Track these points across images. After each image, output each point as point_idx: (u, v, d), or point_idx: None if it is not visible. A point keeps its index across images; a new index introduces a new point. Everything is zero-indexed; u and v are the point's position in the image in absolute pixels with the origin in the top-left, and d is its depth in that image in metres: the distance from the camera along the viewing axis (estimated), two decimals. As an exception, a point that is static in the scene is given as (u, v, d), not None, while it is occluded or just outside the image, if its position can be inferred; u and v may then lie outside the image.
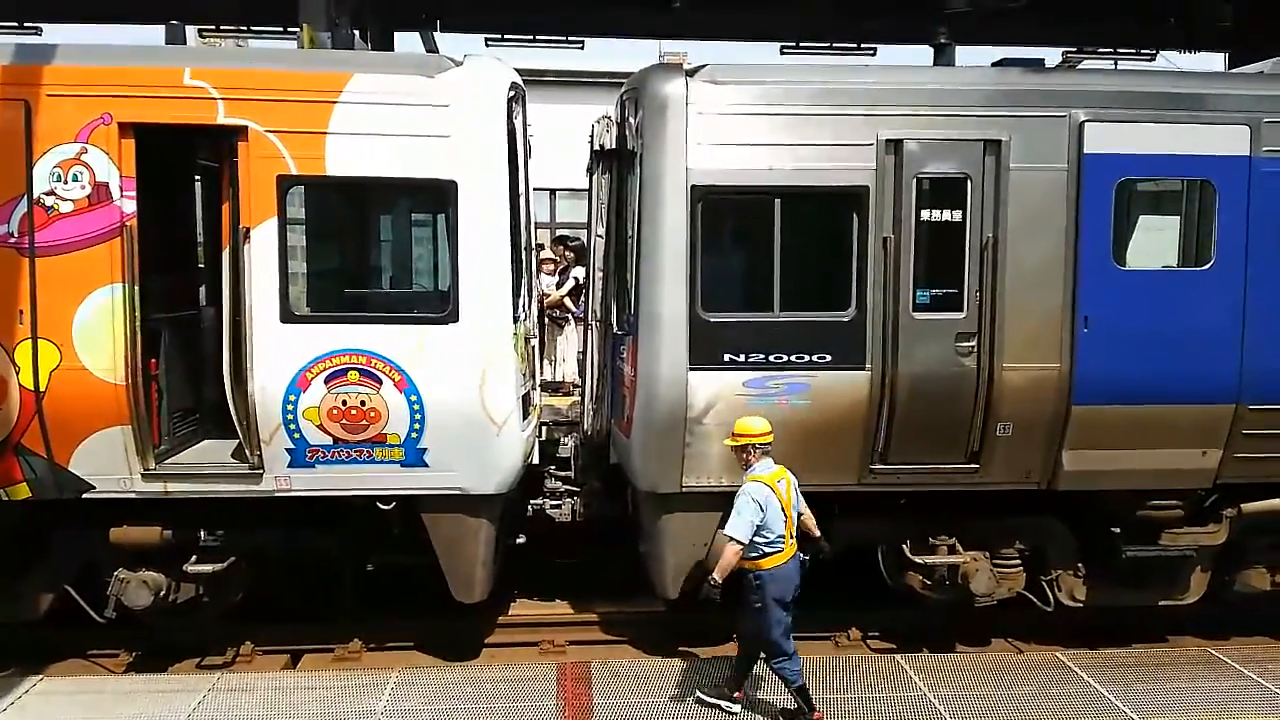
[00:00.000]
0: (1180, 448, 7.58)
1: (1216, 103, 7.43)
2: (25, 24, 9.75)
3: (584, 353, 8.92)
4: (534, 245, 8.70)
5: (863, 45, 13.27)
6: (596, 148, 8.10)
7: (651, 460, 7.48)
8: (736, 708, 6.68)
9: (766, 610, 6.36)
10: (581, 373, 9.10)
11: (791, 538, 6.43)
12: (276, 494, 7.15)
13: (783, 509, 6.35)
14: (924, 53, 8.43)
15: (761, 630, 6.43)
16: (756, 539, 6.29)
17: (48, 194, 6.73)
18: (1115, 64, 8.58)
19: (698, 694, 6.84)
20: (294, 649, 8.19)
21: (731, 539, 6.24)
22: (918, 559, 7.82)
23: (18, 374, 6.79)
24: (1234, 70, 9.90)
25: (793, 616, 6.49)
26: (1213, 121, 7.40)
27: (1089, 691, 7.08)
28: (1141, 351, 7.39)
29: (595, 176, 8.31)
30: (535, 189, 8.70)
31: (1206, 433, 7.55)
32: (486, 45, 9.90)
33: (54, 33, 9.75)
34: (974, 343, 7.30)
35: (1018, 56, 7.84)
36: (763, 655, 6.60)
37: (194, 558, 7.36)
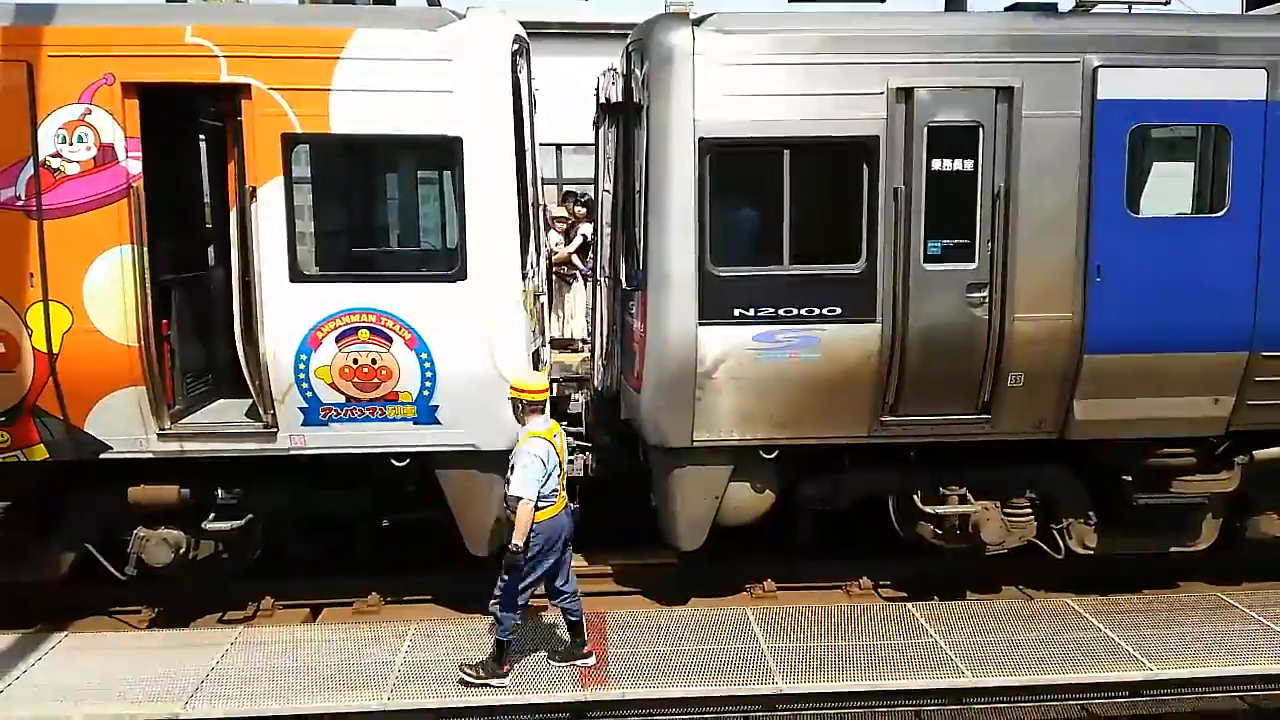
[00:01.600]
0: (1193, 396, 7.57)
1: (1232, 46, 7.30)
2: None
3: (593, 309, 8.91)
4: (541, 201, 8.65)
5: (872, -10, 12.98)
6: (602, 101, 8.02)
7: (662, 415, 7.51)
8: (506, 681, 6.58)
9: (534, 558, 6.42)
10: (591, 329, 9.10)
11: (563, 490, 6.56)
12: (291, 452, 7.22)
13: (559, 463, 6.47)
14: (935, -2, 8.30)
15: (515, 577, 6.41)
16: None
17: (53, 156, 6.72)
18: (1129, 7, 8.41)
19: (461, 674, 6.60)
20: (314, 603, 8.31)
21: (522, 498, 6.28)
22: (929, 509, 7.86)
23: (30, 337, 6.84)
24: (1250, 12, 9.70)
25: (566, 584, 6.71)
26: (1228, 65, 7.28)
27: (1099, 636, 7.16)
28: (1154, 300, 7.35)
29: (601, 130, 8.24)
30: (541, 144, 8.63)
31: (1219, 381, 7.53)
32: (490, -3, 9.77)
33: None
34: (985, 294, 7.26)
35: (1030, 1, 7.70)
36: (495, 599, 6.49)
37: (211, 515, 7.45)
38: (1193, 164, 7.88)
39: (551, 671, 6.69)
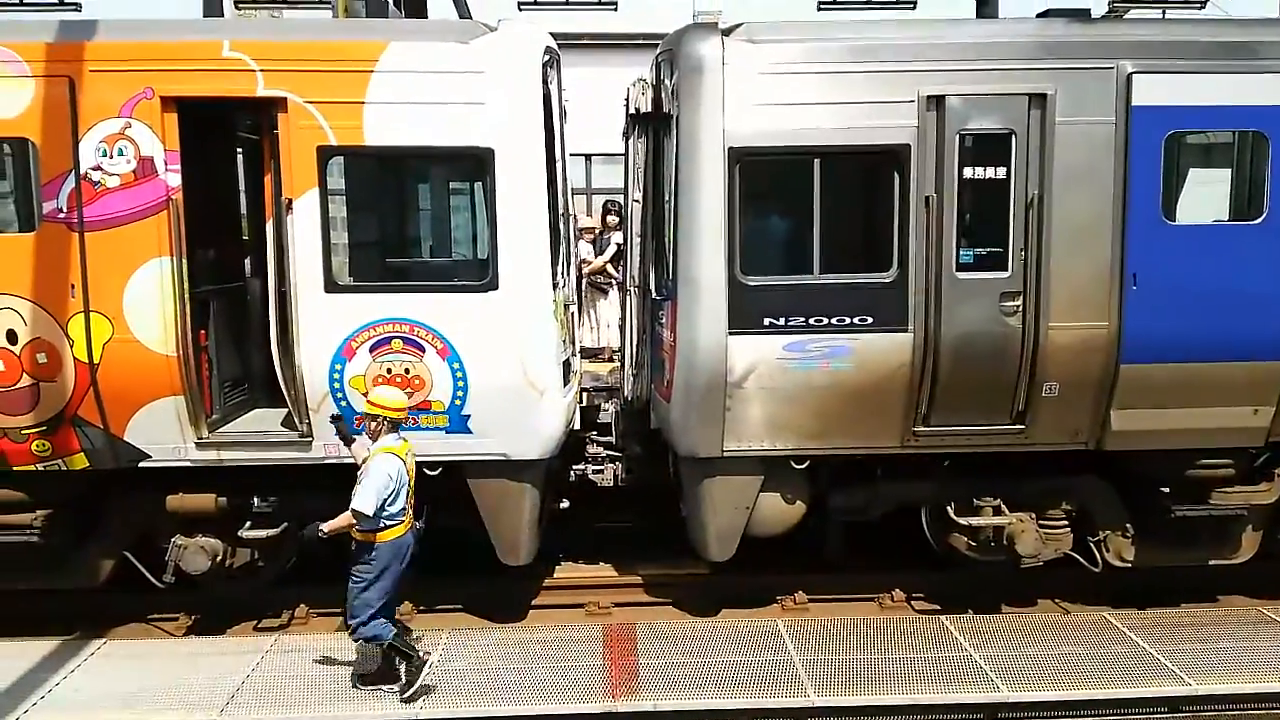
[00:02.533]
0: (1231, 406, 7.44)
1: (1270, 50, 7.19)
2: (65, 0, 9.86)
3: (622, 319, 8.93)
4: (571, 211, 8.70)
5: (902, -2, 12.95)
6: (632, 111, 8.05)
7: (692, 425, 7.50)
8: (427, 662, 6.63)
9: (375, 580, 6.38)
10: (621, 338, 9.12)
11: (410, 509, 6.51)
12: (326, 460, 7.29)
13: (408, 483, 6.43)
14: (966, 4, 8.25)
15: (362, 597, 6.39)
16: (382, 512, 6.30)
17: (94, 169, 6.84)
18: (1163, 13, 8.33)
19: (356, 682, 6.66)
20: (346, 612, 8.37)
21: (355, 511, 6.24)
22: (962, 520, 7.79)
23: (71, 347, 6.96)
24: (1290, 15, 9.56)
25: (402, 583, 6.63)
26: (1266, 70, 7.17)
27: (1137, 651, 7.04)
28: (1191, 308, 7.24)
29: (631, 140, 8.27)
30: (571, 154, 8.68)
31: (1258, 391, 7.41)
32: (520, 9, 9.83)
33: (93, 8, 9.84)
34: (1019, 302, 7.20)
35: (1063, 7, 7.63)
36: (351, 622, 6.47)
37: (248, 523, 7.54)
38: (1230, 170, 7.77)
39: (581, 682, 6.68)
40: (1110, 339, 7.23)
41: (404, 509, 6.46)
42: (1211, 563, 8.09)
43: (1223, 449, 7.62)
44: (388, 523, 6.38)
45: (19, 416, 7.04)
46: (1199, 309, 7.26)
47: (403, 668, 6.52)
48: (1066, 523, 7.94)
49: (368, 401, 6.55)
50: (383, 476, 6.29)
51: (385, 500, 6.30)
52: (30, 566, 7.65)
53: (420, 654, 6.60)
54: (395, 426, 6.54)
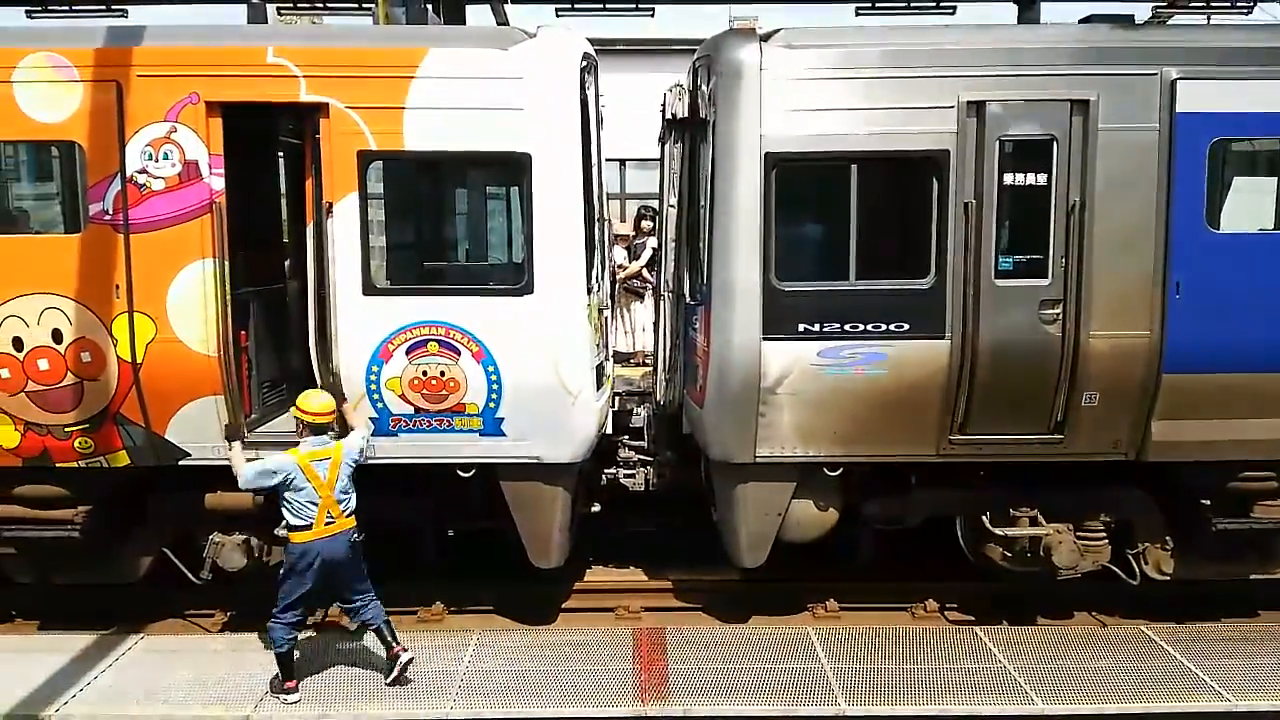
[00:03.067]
0: (1274, 417, 7.31)
1: (1318, 56, 7.07)
2: (112, 6, 10.06)
3: (656, 323, 8.94)
4: (606, 216, 8.72)
5: (941, 3, 12.83)
6: (669, 116, 8.05)
7: (725, 431, 7.48)
8: (293, 699, 6.62)
9: (285, 577, 6.58)
10: (655, 343, 9.13)
11: (329, 519, 6.53)
12: (363, 460, 7.34)
13: (316, 490, 6.48)
14: (1007, 10, 8.17)
15: (283, 589, 6.58)
16: (287, 510, 6.51)
17: (140, 172, 6.96)
18: (1208, 18, 8.21)
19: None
20: (379, 611, 8.44)
21: (240, 473, 6.55)
22: (998, 531, 7.71)
23: (115, 346, 7.08)
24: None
25: (356, 596, 6.77)
26: (1314, 76, 7.05)
27: (1176, 666, 6.94)
28: (1236, 318, 7.12)
29: (667, 146, 8.27)
30: (606, 159, 8.70)
31: (1303, 402, 7.27)
32: (557, 15, 9.90)
33: (140, 14, 10.03)
34: (1059, 310, 7.11)
35: (1106, 12, 7.55)
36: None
37: (284, 522, 7.61)
38: (1276, 178, 7.63)
39: (610, 686, 6.69)
40: (1152, 348, 7.12)
41: (312, 516, 6.52)
42: (1253, 577, 7.94)
43: (1266, 461, 7.48)
44: (294, 523, 6.53)
45: (63, 414, 7.18)
46: (1242, 318, 7.13)
47: (276, 676, 6.67)
48: (1105, 534, 7.83)
49: (295, 406, 6.72)
50: (269, 463, 6.52)
51: (267, 489, 6.55)
52: (70, 561, 7.79)
53: (291, 683, 6.65)
54: (318, 431, 6.65)
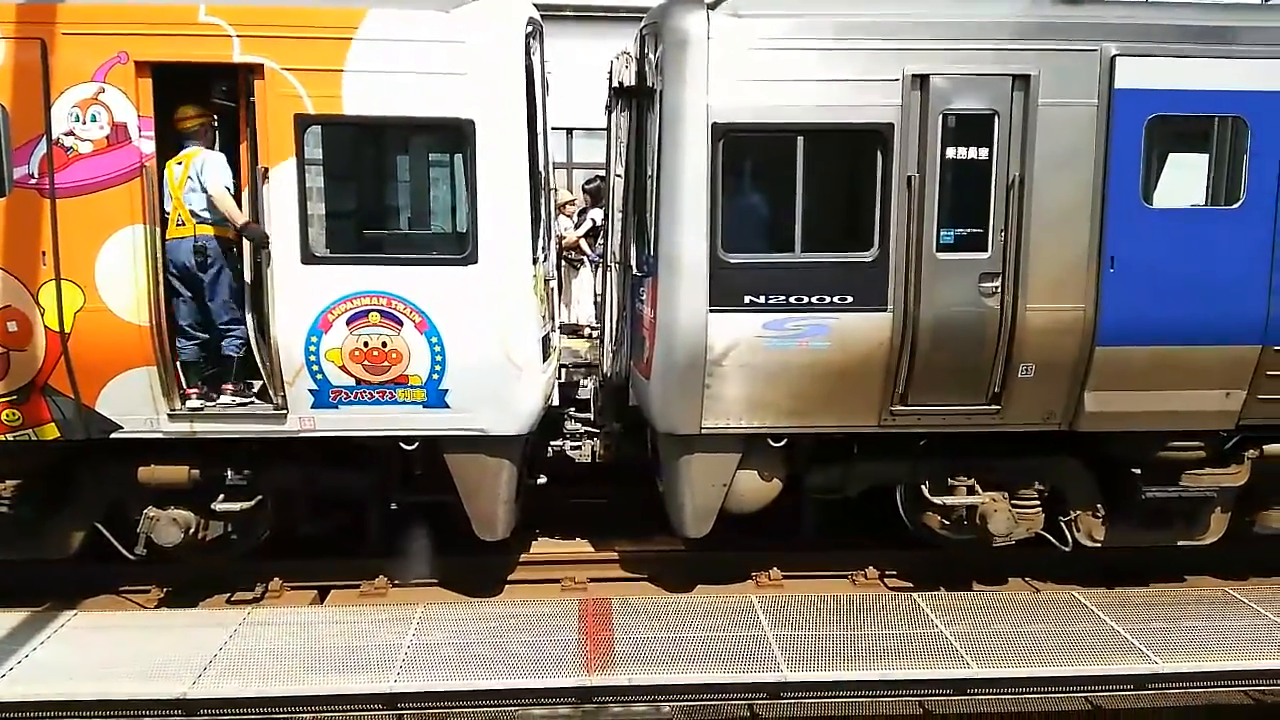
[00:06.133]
0: (1204, 389, 7.53)
1: (1252, 36, 7.22)
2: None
3: (602, 295, 8.90)
4: (552, 185, 8.64)
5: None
6: (615, 85, 7.98)
7: (671, 402, 7.50)
8: None
9: None
10: (599, 315, 9.09)
11: (180, 222, 7.07)
12: (301, 434, 7.24)
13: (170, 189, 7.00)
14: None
15: None
16: None
17: (66, 134, 6.71)
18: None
19: None
20: (321, 585, 8.35)
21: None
22: (936, 499, 7.86)
23: (42, 315, 6.85)
24: (1272, 1, 9.60)
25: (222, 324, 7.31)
26: (1246, 55, 7.20)
27: (1105, 629, 7.15)
28: (1167, 292, 7.30)
29: (614, 115, 8.20)
30: (552, 128, 8.60)
31: (1230, 374, 7.49)
32: (503, -21, 9.73)
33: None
34: (998, 283, 7.23)
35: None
36: None
37: (221, 496, 7.48)
38: (1208, 155, 7.80)
39: (556, 656, 6.70)
40: (1087, 321, 7.28)
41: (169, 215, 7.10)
42: (1181, 543, 8.21)
43: (1194, 431, 7.71)
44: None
45: (-12, 385, 6.94)
46: (1174, 293, 7.31)
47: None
48: (1039, 503, 8.03)
49: None
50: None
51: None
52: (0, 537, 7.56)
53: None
54: (189, 136, 7.31)
